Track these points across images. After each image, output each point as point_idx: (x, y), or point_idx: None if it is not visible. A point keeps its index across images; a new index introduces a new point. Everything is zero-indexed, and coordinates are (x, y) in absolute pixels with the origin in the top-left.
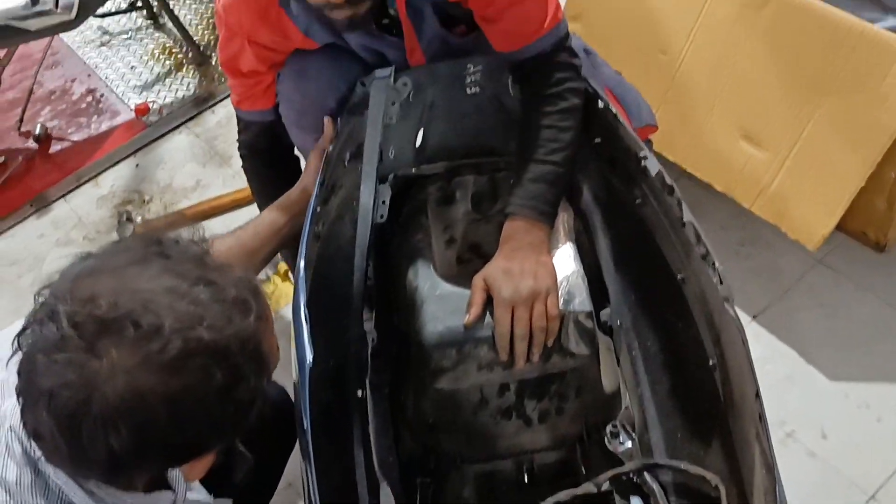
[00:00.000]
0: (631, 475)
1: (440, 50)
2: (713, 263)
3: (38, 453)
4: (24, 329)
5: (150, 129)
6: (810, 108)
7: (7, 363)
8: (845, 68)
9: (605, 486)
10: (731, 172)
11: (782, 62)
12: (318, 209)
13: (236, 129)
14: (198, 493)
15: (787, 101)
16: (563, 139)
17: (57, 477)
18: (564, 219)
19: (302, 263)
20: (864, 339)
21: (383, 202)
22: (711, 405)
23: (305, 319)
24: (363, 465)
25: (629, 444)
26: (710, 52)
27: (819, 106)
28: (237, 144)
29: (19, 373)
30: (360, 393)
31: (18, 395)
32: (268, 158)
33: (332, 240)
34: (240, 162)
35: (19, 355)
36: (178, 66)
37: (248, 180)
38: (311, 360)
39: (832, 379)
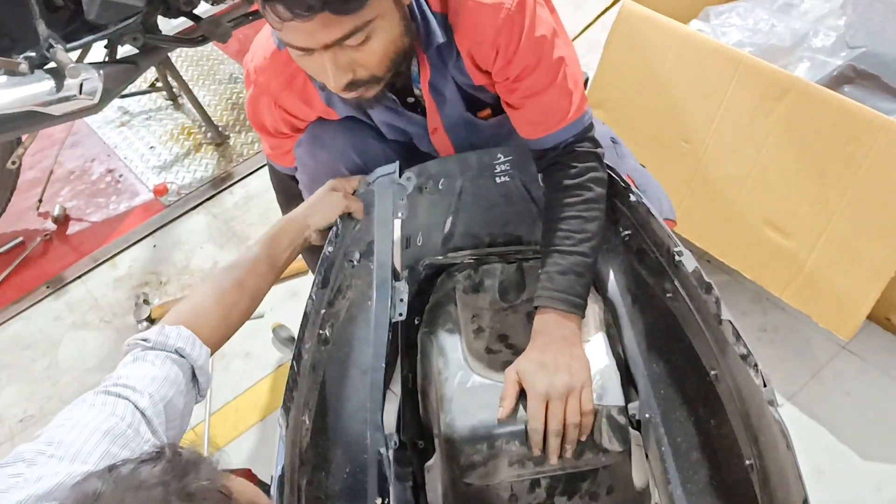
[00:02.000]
0: None
1: (463, 130)
2: (755, 365)
3: None
4: None
5: (168, 209)
6: (834, 198)
7: None
8: (865, 160)
9: None
10: (760, 261)
11: (803, 152)
12: (323, 311)
13: (255, 208)
14: None
15: (810, 191)
16: (589, 229)
17: None
18: (595, 311)
19: (297, 365)
20: (894, 430)
21: (401, 300)
22: None
23: (281, 426)
24: None
25: None
26: (732, 142)
27: (843, 196)
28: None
29: None
30: (379, 501)
31: None
32: (294, 198)
33: (343, 342)
34: None
35: None
36: (197, 147)
37: (282, 213)
38: (279, 472)
39: (862, 471)
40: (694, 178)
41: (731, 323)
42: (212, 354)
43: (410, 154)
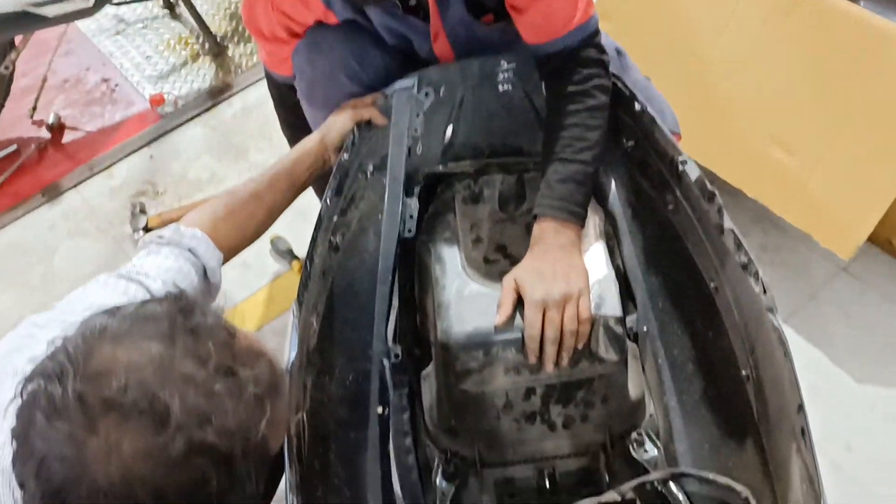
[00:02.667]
0: (656, 484)
1: (465, 37)
2: (756, 273)
3: None
4: (31, 376)
5: (164, 120)
6: (841, 115)
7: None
8: (878, 75)
9: (629, 495)
10: (762, 178)
11: (812, 67)
12: (335, 219)
13: (253, 120)
14: None
15: (817, 108)
16: (591, 138)
17: None
18: (596, 222)
19: (309, 266)
20: (891, 351)
21: (411, 216)
22: (743, 418)
23: (294, 316)
24: (380, 480)
25: (654, 452)
26: (740, 56)
27: (850, 113)
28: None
29: (17, 417)
30: (381, 410)
31: (13, 440)
32: (293, 108)
33: (354, 253)
34: (255, 155)
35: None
36: (195, 57)
37: (280, 124)
38: (292, 357)
39: (858, 390)
40: (699, 94)
41: (733, 232)
42: (224, 262)
43: (411, 63)
